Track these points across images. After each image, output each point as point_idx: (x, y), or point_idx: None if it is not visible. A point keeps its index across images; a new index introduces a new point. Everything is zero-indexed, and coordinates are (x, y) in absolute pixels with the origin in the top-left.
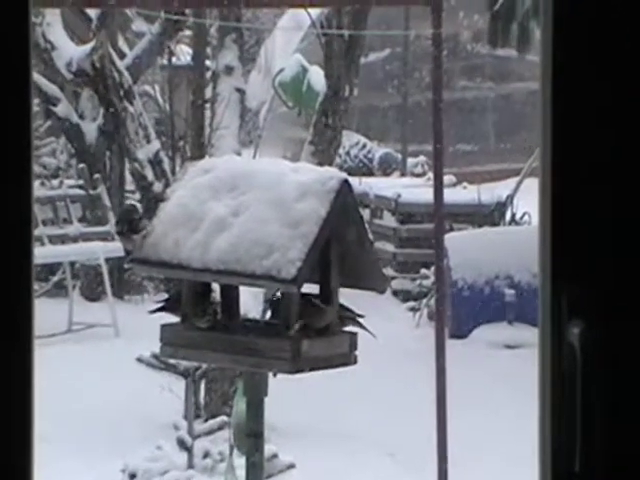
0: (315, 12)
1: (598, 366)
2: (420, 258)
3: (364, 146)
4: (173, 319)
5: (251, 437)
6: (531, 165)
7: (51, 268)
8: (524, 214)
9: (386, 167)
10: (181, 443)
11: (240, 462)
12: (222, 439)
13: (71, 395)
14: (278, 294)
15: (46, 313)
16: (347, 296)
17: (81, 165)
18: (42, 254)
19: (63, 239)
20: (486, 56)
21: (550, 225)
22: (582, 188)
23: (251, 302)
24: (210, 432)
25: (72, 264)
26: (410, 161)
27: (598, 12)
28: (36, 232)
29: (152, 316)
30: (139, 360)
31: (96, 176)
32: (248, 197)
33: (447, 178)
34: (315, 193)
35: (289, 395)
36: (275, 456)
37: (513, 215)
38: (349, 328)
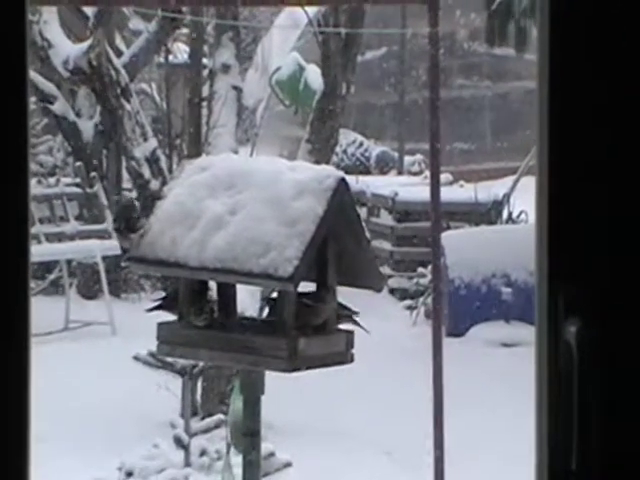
0: (312, 10)
1: (595, 364)
2: (417, 256)
3: (361, 144)
4: (170, 317)
5: (248, 435)
6: (528, 164)
7: (48, 266)
8: (521, 212)
9: (383, 165)
10: (178, 441)
11: (237, 460)
12: (219, 437)
13: (68, 393)
14: (274, 294)
15: (43, 311)
16: (344, 294)
17: (78, 163)
18: (39, 252)
19: (60, 237)
20: (483, 55)
21: (547, 223)
22: (579, 187)
23: (248, 300)
24: (207, 430)
25: (69, 262)
26: (407, 159)
27: (595, 11)
28: (33, 230)
29: (149, 314)
30: (136, 358)
31: (93, 174)
32: (245, 195)
33: (444, 176)
34: (312, 191)
35: (286, 393)
36: (272, 454)
37: (510, 213)
38: (344, 325)
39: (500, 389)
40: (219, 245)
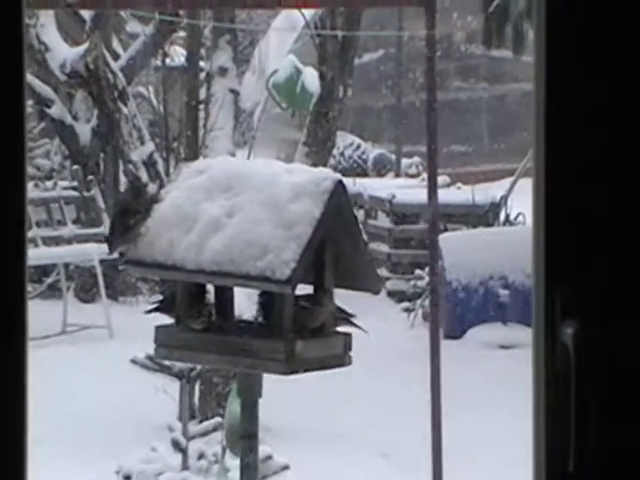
0: (309, 13)
1: (592, 366)
2: (414, 259)
3: (358, 147)
4: (167, 320)
5: (245, 438)
6: (525, 166)
7: (45, 270)
8: (518, 214)
9: (380, 168)
10: (176, 444)
11: (234, 463)
12: (217, 440)
13: (65, 397)
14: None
15: (40, 315)
16: (341, 297)
17: (75, 167)
18: (36, 256)
19: (57, 241)
20: (480, 57)
21: (544, 225)
22: (576, 188)
23: (245, 303)
24: (205, 433)
25: (66, 266)
26: (404, 162)
27: (591, 12)
28: (30, 234)
29: (146, 318)
30: (133, 362)
31: (90, 178)
32: (242, 198)
33: (441, 179)
34: (309, 194)
35: (283, 396)
36: (269, 457)
37: (507, 215)
38: (342, 328)
39: (497, 391)
40: (216, 248)
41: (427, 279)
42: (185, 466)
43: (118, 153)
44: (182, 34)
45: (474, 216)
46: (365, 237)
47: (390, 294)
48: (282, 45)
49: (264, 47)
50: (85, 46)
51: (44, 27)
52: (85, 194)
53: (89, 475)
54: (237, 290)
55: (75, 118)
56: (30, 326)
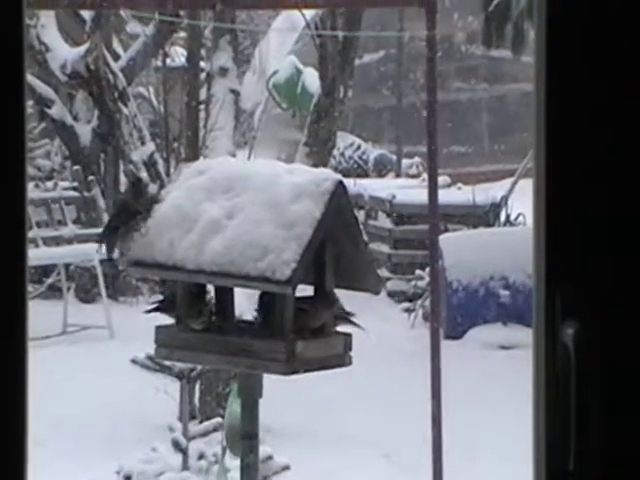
0: (309, 13)
1: (592, 366)
2: (415, 259)
3: (359, 147)
4: (168, 320)
5: (246, 438)
6: (525, 166)
7: (45, 270)
8: (519, 215)
9: (381, 168)
10: (176, 445)
11: (234, 464)
12: (217, 441)
13: (65, 397)
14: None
15: (41, 315)
16: (342, 297)
17: (75, 167)
18: (36, 256)
19: (58, 241)
20: (480, 57)
21: (544, 226)
22: (576, 189)
23: (245, 303)
24: (205, 434)
25: (67, 266)
26: (405, 162)
27: (592, 12)
28: (30, 234)
29: (147, 318)
30: (134, 362)
31: (91, 178)
32: (242, 199)
33: (442, 179)
34: (310, 194)
35: (284, 396)
36: (270, 457)
37: (508, 216)
38: (342, 328)
39: (498, 391)
40: (217, 248)
41: (427, 279)
42: (185, 466)
43: (119, 153)
44: (182, 34)
45: (475, 216)
46: (365, 237)
47: (390, 294)
48: (283, 45)
49: (264, 47)
50: (86, 46)
51: (45, 27)
52: (85, 194)
53: (89, 475)
54: (237, 290)
55: (76, 118)
56: (30, 326)
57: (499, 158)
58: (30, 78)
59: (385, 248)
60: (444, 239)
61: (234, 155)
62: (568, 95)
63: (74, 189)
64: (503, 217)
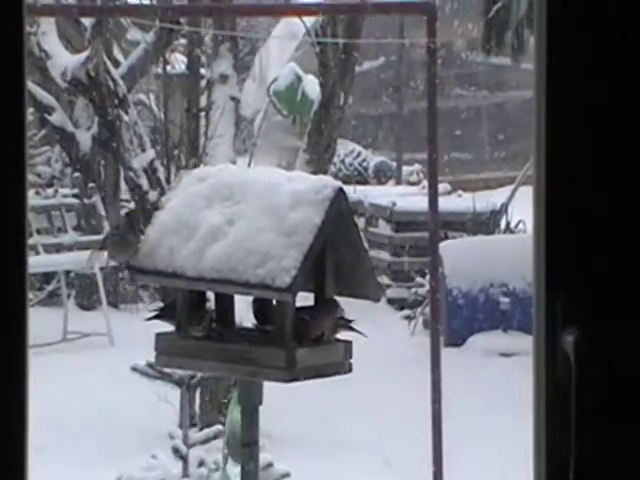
0: (310, 21)
1: (592, 374)
2: (415, 266)
3: (359, 154)
4: (168, 328)
5: (246, 446)
6: (526, 173)
7: (46, 277)
8: (519, 222)
9: (381, 175)
10: (176, 452)
11: (235, 471)
12: (217, 448)
13: (66, 404)
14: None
15: (41, 322)
16: (342, 305)
17: (76, 174)
18: (37, 263)
19: (58, 248)
20: (480, 64)
21: (544, 233)
22: (576, 196)
23: (246, 311)
24: (205, 441)
25: (67, 273)
26: (405, 169)
27: (592, 20)
28: (31, 241)
29: (147, 325)
30: (134, 369)
31: (91, 185)
32: (243, 206)
33: (442, 186)
34: (310, 202)
35: (284, 403)
36: (270, 465)
37: (508, 223)
38: (343, 335)
39: (498, 399)
40: (217, 255)
41: (428, 287)
42: (186, 474)
43: (119, 160)
44: (183, 41)
45: (475, 223)
46: (366, 245)
47: (391, 302)
48: (283, 53)
49: (265, 55)
50: (86, 53)
51: (45, 35)
52: (86, 201)
53: None
54: (237, 298)
55: (76, 125)
56: (31, 333)
57: (499, 165)
58: (30, 85)
59: (385, 255)
60: (444, 246)
61: (234, 162)
62: (568, 102)
63: (74, 196)
64: (503, 224)
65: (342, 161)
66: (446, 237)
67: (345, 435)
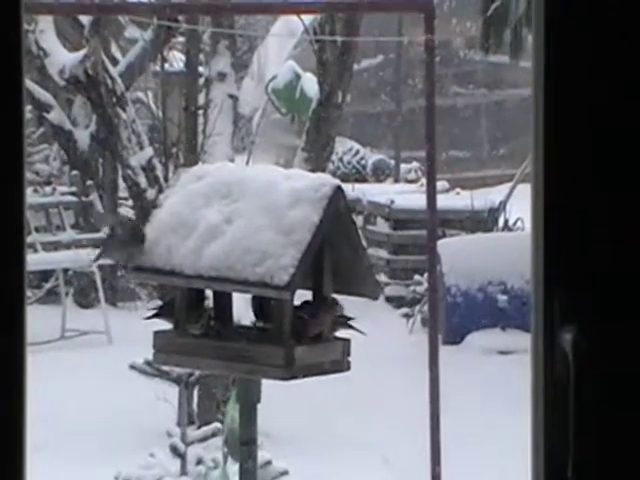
0: (308, 19)
1: (591, 372)
2: (413, 264)
3: (357, 152)
4: (167, 326)
5: (244, 444)
6: (524, 171)
7: (44, 275)
8: (517, 220)
9: (379, 173)
10: (174, 450)
11: (233, 469)
12: (215, 446)
13: (64, 402)
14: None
15: (39, 320)
16: (340, 302)
17: (74, 172)
18: (35, 261)
19: (56, 246)
20: (479, 62)
21: (542, 231)
22: (574, 194)
23: (244, 309)
24: (203, 439)
25: (65, 271)
26: (403, 167)
27: (591, 18)
28: (29, 239)
29: (145, 323)
30: (132, 367)
31: (89, 183)
32: (241, 204)
33: (440, 184)
34: (308, 200)
35: (282, 401)
36: (268, 463)
37: (506, 221)
38: (341, 333)
39: (496, 397)
40: (215, 253)
41: (426, 285)
42: (184, 472)
43: (117, 158)
44: (181, 39)
45: (473, 221)
46: (364, 243)
47: (389, 300)
48: (281, 51)
49: (263, 53)
50: (84, 52)
51: (43, 33)
52: (84, 199)
53: None
54: (236, 296)
55: (74, 123)
56: (29, 331)
57: (498, 163)
58: (28, 83)
59: (383, 253)
60: (442, 244)
61: (232, 160)
62: (566, 100)
63: (72, 194)
64: (501, 222)
65: (340, 159)
66: (444, 235)
67: (343, 433)
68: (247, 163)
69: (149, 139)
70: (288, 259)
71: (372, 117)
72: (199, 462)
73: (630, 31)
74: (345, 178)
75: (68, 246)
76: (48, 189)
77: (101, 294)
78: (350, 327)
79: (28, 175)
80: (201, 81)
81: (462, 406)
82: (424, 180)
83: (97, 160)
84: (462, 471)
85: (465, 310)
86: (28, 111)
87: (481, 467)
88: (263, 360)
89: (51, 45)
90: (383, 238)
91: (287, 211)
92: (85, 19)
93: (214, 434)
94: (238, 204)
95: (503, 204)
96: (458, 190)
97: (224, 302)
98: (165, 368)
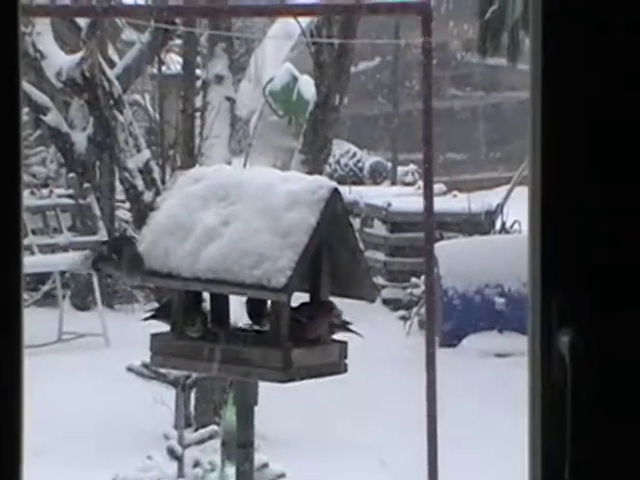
0: (305, 21)
1: (588, 374)
2: (410, 267)
3: (354, 155)
4: (164, 328)
5: (241, 446)
6: (521, 174)
7: (41, 277)
8: (514, 222)
9: (376, 176)
10: (171, 452)
11: (230, 471)
12: (212, 448)
13: (61, 405)
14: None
15: (36, 323)
16: (337, 305)
17: (71, 174)
18: (32, 263)
19: (53, 248)
20: (476, 65)
21: (540, 233)
22: (572, 196)
23: (241, 311)
24: (200, 441)
25: (62, 273)
26: (400, 170)
27: (588, 20)
28: (26, 241)
29: (142, 325)
30: (129, 369)
31: (86, 185)
32: (238, 206)
33: (437, 187)
34: (305, 202)
35: (280, 404)
36: (265, 465)
37: (503, 223)
38: (338, 335)
39: (493, 399)
40: (212, 256)
41: (423, 287)
42: (181, 474)
43: (114, 161)
44: (178, 42)
45: (470, 224)
46: (361, 245)
47: (386, 302)
48: (278, 53)
49: (260, 55)
50: (81, 54)
51: (40, 35)
52: (81, 202)
53: None
54: (233, 298)
55: (71, 126)
56: (26, 334)
57: (495, 166)
58: (25, 85)
59: (380, 256)
60: (440, 247)
61: (230, 163)
62: (564, 103)
63: (69, 196)
64: (499, 225)
65: (337, 161)
66: (441, 237)
67: (340, 435)
68: (244, 165)
69: (146, 142)
70: (285, 261)
71: (369, 119)
72: (196, 465)
73: (627, 35)
74: (342, 180)
75: (65, 249)
76: (45, 191)
77: (98, 296)
78: (347, 329)
79: (25, 177)
80: (198, 84)
81: (459, 408)
82: (421, 183)
83: (94, 163)
84: (459, 473)
85: (462, 313)
86: (25, 113)
87: (478, 470)
88: (260, 362)
89: (48, 47)
90: (380, 241)
91: (284, 213)
92: (82, 21)
93: (211, 437)
94: (235, 207)
95: (500, 207)
96: (455, 193)
97: (221, 304)
98: (162, 370)
